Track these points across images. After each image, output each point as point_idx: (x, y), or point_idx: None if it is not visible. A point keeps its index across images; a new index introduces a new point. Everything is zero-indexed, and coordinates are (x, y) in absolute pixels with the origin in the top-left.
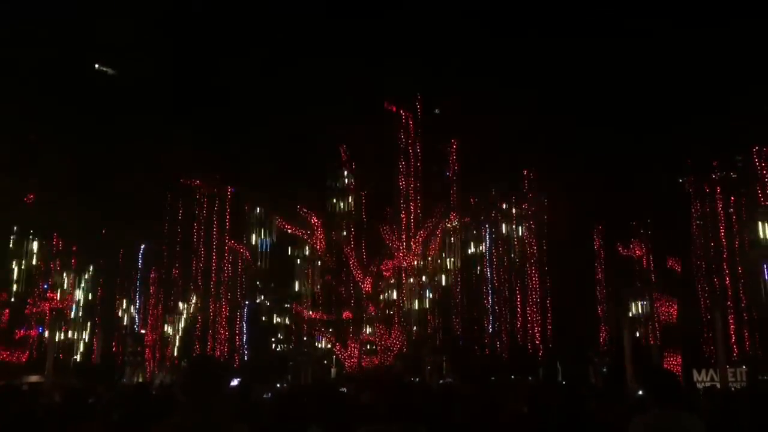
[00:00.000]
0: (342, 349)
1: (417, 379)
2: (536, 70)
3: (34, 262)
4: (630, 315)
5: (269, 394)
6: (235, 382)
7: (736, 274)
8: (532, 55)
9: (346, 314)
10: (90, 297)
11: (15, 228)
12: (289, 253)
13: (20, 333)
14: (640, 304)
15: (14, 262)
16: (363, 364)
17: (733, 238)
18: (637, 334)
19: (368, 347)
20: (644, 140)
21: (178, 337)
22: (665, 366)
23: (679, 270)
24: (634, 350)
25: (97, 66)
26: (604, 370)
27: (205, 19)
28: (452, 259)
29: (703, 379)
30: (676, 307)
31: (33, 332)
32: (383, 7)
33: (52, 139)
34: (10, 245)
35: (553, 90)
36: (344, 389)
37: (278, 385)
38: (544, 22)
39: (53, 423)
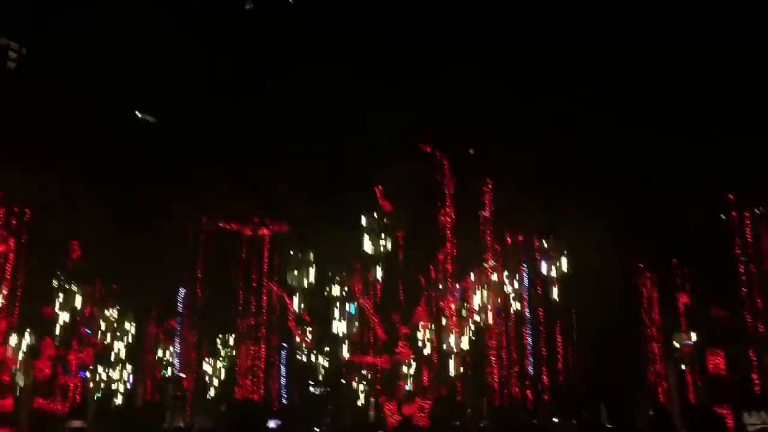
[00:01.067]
0: (381, 392)
1: (457, 423)
2: (577, 108)
3: (77, 307)
4: (676, 356)
5: None
6: (272, 424)
7: None
8: (573, 96)
9: (384, 357)
10: (131, 341)
11: (59, 274)
12: (327, 294)
13: (62, 380)
14: (686, 344)
15: (58, 308)
16: (402, 407)
17: None
18: (684, 375)
19: (407, 390)
20: (686, 178)
21: (217, 379)
22: (713, 408)
23: (725, 312)
24: (680, 392)
25: (138, 114)
26: (651, 413)
27: (243, 63)
28: (490, 300)
29: (753, 421)
30: (723, 348)
31: (74, 380)
32: (421, 50)
33: (94, 185)
34: (56, 292)
35: (593, 130)
36: None
37: (316, 429)
38: (582, 63)
39: None
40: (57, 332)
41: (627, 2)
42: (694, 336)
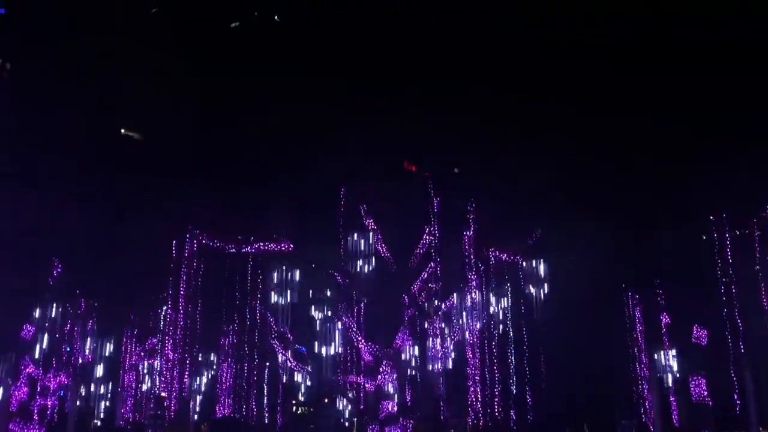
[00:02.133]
0: (364, 411)
1: None
2: (554, 130)
3: (56, 326)
4: (658, 376)
5: None
6: None
7: (766, 333)
8: (552, 115)
9: (367, 376)
10: (111, 359)
11: (39, 292)
12: (311, 313)
13: (40, 402)
14: (667, 365)
15: (37, 325)
16: (385, 428)
17: (760, 296)
18: (666, 396)
19: (391, 409)
20: (666, 198)
21: (198, 398)
22: (694, 428)
23: (706, 333)
24: (662, 411)
25: (123, 131)
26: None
27: (225, 80)
28: (474, 319)
29: None
30: (704, 376)
31: (52, 401)
32: (405, 71)
33: (76, 202)
34: (36, 312)
35: (574, 148)
36: None
37: None
38: (566, 82)
39: None
40: (37, 351)
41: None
42: (675, 360)
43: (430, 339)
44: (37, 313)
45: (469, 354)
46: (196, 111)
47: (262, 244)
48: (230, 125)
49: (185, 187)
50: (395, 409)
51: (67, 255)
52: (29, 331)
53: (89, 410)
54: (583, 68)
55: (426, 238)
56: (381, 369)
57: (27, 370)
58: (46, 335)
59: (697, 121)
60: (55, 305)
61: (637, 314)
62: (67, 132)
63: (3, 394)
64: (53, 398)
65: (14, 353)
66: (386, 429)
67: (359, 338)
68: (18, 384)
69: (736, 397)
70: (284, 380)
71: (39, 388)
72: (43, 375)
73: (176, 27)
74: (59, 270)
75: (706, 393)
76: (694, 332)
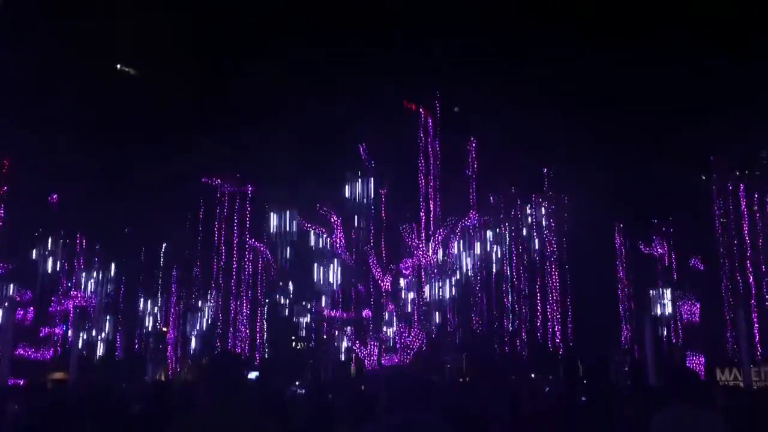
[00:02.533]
0: (362, 348)
1: (436, 378)
2: (556, 69)
3: (58, 261)
4: (652, 313)
5: (303, 389)
6: (252, 377)
7: (759, 272)
8: (553, 54)
9: (365, 312)
10: (113, 295)
11: (39, 228)
12: (310, 251)
13: (44, 331)
14: (662, 302)
15: (39, 261)
16: (383, 362)
17: (757, 235)
18: (660, 333)
19: (388, 346)
20: (667, 138)
21: (199, 334)
22: (688, 365)
23: (702, 268)
24: (656, 348)
25: (119, 66)
26: (626, 368)
27: (228, 18)
28: (472, 258)
29: (726, 378)
30: (699, 305)
31: (57, 330)
32: (405, 8)
33: (76, 140)
34: (34, 245)
35: (573, 89)
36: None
37: (297, 383)
38: (568, 20)
39: (80, 419)
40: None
41: None
42: (669, 293)
43: (428, 277)
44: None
45: (467, 293)
46: (196, 52)
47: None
48: (230, 65)
49: (188, 128)
50: (394, 343)
51: (69, 193)
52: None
53: (91, 343)
54: (586, 4)
55: (427, 177)
56: (380, 306)
57: (27, 296)
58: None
59: (702, 62)
60: (58, 240)
61: (632, 251)
62: (68, 71)
63: (7, 316)
64: (59, 327)
65: (17, 282)
66: (384, 362)
67: (357, 277)
68: (24, 308)
69: (728, 333)
70: (284, 315)
71: (42, 319)
72: (46, 305)
73: None
74: (58, 203)
75: (697, 315)
76: (692, 262)
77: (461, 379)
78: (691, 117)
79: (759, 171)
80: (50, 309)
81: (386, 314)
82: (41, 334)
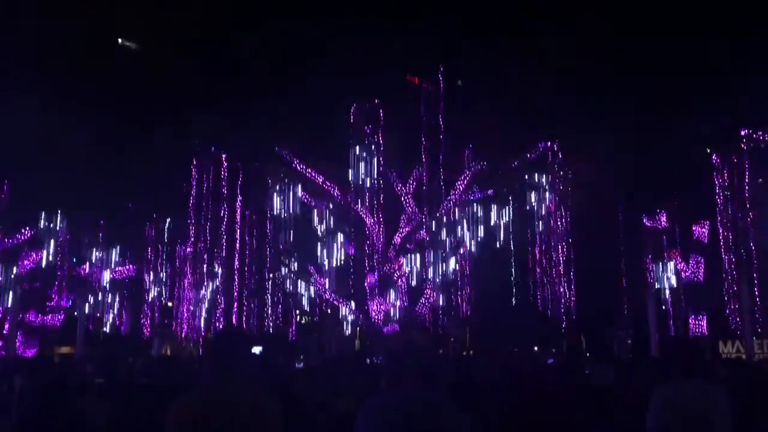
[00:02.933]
0: (366, 321)
1: (441, 352)
2: (559, 41)
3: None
4: (656, 287)
5: (301, 364)
6: (256, 351)
7: (764, 244)
8: (555, 27)
9: (369, 284)
10: (117, 270)
11: (42, 208)
12: (313, 223)
13: (52, 303)
14: (665, 275)
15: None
16: (386, 333)
17: (761, 208)
18: (663, 306)
19: (391, 319)
20: (670, 111)
21: (204, 308)
22: (690, 337)
23: (705, 239)
24: (659, 322)
25: (120, 41)
26: (629, 341)
27: None
28: (476, 233)
29: (729, 350)
30: (702, 277)
31: (63, 302)
32: None
33: (75, 116)
34: (40, 219)
35: (575, 61)
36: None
37: (302, 357)
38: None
39: (86, 392)
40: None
41: None
42: (672, 266)
43: (431, 251)
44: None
45: (470, 267)
46: (199, 26)
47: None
48: (232, 41)
49: (190, 102)
50: (396, 320)
51: (70, 168)
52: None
53: (97, 319)
54: None
55: (430, 151)
56: (382, 282)
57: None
58: (51, 243)
59: (705, 34)
60: (59, 217)
61: (637, 227)
62: (67, 44)
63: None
64: (60, 312)
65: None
66: (385, 327)
67: (362, 252)
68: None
69: (732, 306)
70: (288, 290)
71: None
72: (49, 289)
73: None
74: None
75: (702, 305)
76: (693, 244)
77: (465, 353)
78: (696, 87)
79: (764, 145)
80: (56, 283)
81: (391, 290)
82: (48, 305)
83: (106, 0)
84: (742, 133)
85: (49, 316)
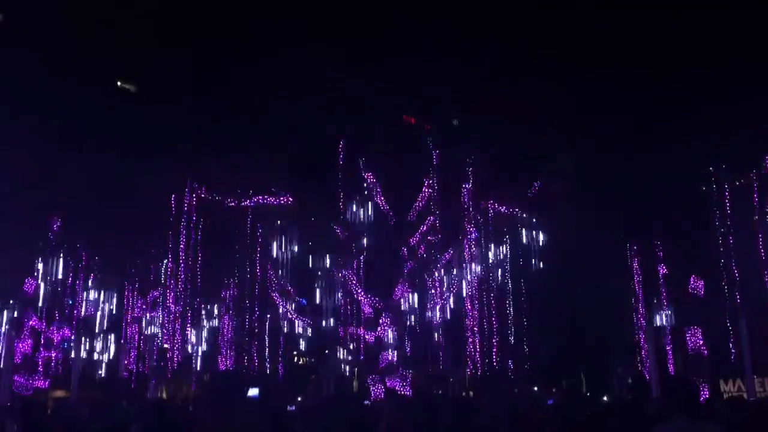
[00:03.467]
0: (364, 361)
1: (440, 392)
2: (555, 84)
3: (59, 278)
4: (654, 325)
5: (293, 407)
6: (253, 393)
7: (762, 282)
8: (553, 71)
9: (367, 327)
10: (114, 312)
11: (41, 244)
12: (311, 265)
13: (42, 356)
14: (664, 314)
15: (40, 280)
16: (386, 378)
17: (758, 244)
18: (662, 344)
19: (390, 358)
20: (666, 149)
21: (200, 350)
22: (690, 376)
23: (702, 279)
24: (658, 360)
25: (119, 83)
26: (629, 380)
27: (226, 30)
28: (473, 271)
29: (729, 389)
30: (701, 316)
31: (55, 354)
32: (403, 24)
33: (74, 154)
34: (38, 265)
35: (572, 100)
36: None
37: (299, 399)
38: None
39: None
40: (39, 304)
41: None
42: (672, 310)
43: (429, 291)
44: (39, 267)
45: (468, 305)
46: (194, 63)
47: (261, 197)
48: (229, 77)
49: (185, 140)
50: (395, 359)
51: (66, 208)
52: (31, 284)
53: (93, 362)
54: (582, 20)
55: (425, 191)
56: (380, 321)
57: (30, 323)
58: (47, 288)
59: (697, 74)
60: (56, 258)
61: (635, 265)
62: (65, 83)
63: (6, 347)
64: (57, 351)
65: (16, 306)
66: (386, 380)
67: (359, 290)
68: (22, 336)
69: (731, 346)
70: (285, 331)
71: (43, 341)
72: (47, 328)
73: None
74: (58, 223)
75: (701, 342)
76: (691, 282)
77: (464, 393)
78: (691, 128)
79: (758, 181)
80: (52, 329)
81: (389, 331)
82: (39, 359)
83: (101, 40)
84: (738, 168)
85: (44, 355)
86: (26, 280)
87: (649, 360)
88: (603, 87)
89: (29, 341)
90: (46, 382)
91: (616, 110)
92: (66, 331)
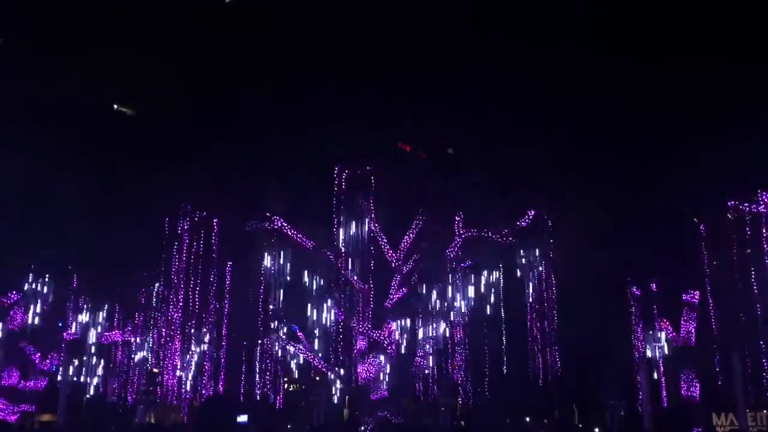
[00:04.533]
0: (355, 389)
1: (431, 421)
2: (549, 111)
3: (50, 300)
4: (647, 357)
5: None
6: (242, 420)
7: (754, 315)
8: (544, 98)
9: (358, 351)
10: (103, 335)
11: (31, 266)
12: (303, 287)
13: (28, 385)
14: (656, 346)
15: (30, 302)
16: (377, 406)
17: (750, 277)
18: (654, 377)
19: (382, 387)
20: (657, 178)
21: (191, 375)
22: (682, 409)
23: (695, 311)
24: (651, 392)
25: (116, 106)
26: (622, 413)
27: (222, 51)
28: (465, 300)
29: (722, 422)
30: (693, 347)
31: (46, 368)
32: (400, 51)
33: (67, 175)
34: (26, 285)
35: (564, 130)
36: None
37: (289, 426)
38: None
39: None
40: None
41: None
42: (665, 343)
43: (421, 320)
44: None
45: (459, 335)
46: (190, 87)
47: (255, 222)
48: (224, 103)
49: (178, 163)
50: (386, 387)
51: (57, 229)
52: (17, 315)
53: (80, 386)
54: (579, 48)
55: (419, 219)
56: (372, 349)
57: (19, 344)
58: (35, 311)
59: (692, 107)
60: (44, 279)
61: (627, 297)
62: (59, 105)
63: None
64: (44, 376)
65: (5, 329)
66: (377, 411)
67: (351, 318)
68: (9, 369)
69: (724, 380)
70: (276, 357)
71: (29, 370)
72: (34, 351)
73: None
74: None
75: (694, 376)
76: (684, 314)
77: (455, 422)
78: (683, 158)
79: (751, 214)
80: (36, 356)
81: (381, 357)
82: (25, 388)
83: (97, 64)
84: (729, 203)
85: (32, 381)
86: (12, 310)
87: (642, 393)
88: (598, 117)
89: (16, 374)
90: (33, 406)
91: (609, 139)
92: (54, 355)
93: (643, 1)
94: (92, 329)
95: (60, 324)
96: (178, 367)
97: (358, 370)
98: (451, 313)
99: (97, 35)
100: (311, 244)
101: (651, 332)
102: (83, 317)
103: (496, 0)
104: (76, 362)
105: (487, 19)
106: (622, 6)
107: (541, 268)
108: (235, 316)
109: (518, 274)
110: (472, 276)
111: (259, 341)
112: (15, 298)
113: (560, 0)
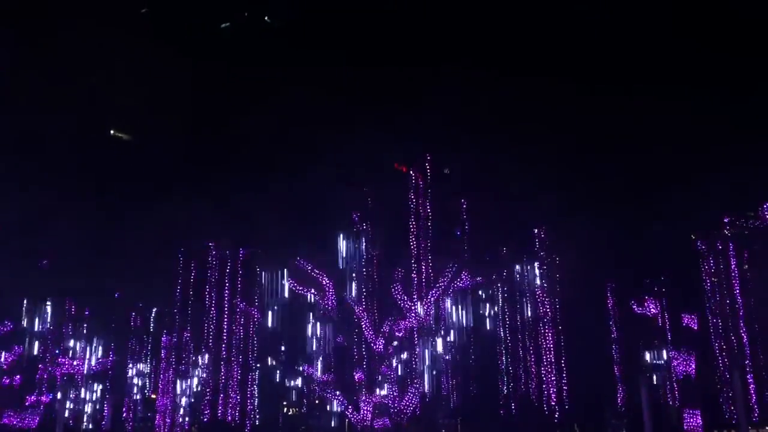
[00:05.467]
0: (354, 413)
1: None
2: (546, 131)
3: (47, 327)
4: (648, 374)
5: None
6: None
7: (753, 332)
8: (546, 116)
9: (358, 376)
10: (101, 362)
11: (29, 292)
12: (301, 314)
13: (31, 399)
14: (657, 363)
15: (27, 327)
16: (376, 427)
17: (749, 295)
18: (656, 394)
19: (381, 410)
20: (656, 197)
21: (189, 401)
22: (684, 427)
23: (695, 328)
24: (652, 410)
25: (112, 132)
26: (624, 431)
27: (219, 84)
28: (465, 320)
29: None
30: (693, 365)
31: (44, 398)
32: (397, 74)
33: (66, 204)
34: (24, 309)
35: (563, 149)
36: None
37: None
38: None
39: None
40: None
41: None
42: (664, 353)
43: (422, 340)
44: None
45: (460, 355)
46: (189, 117)
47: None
48: (222, 132)
49: (178, 193)
50: (388, 407)
51: (58, 259)
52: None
53: (79, 413)
54: (579, 66)
55: (418, 239)
56: (372, 369)
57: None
58: (33, 339)
59: (693, 123)
60: (44, 308)
61: (629, 314)
62: (59, 136)
63: None
64: (46, 395)
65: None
66: (376, 421)
67: (354, 338)
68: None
69: (724, 389)
70: (275, 382)
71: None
72: (34, 371)
73: (168, 29)
74: (47, 271)
75: (697, 395)
76: (685, 322)
77: None
78: (682, 177)
79: (747, 231)
80: (37, 376)
81: (379, 377)
82: (27, 402)
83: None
84: (725, 220)
85: (26, 417)
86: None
87: (645, 413)
88: (598, 136)
89: (17, 381)
90: (35, 421)
91: (609, 159)
92: (54, 372)
93: (642, 31)
94: (86, 360)
95: (57, 351)
96: (176, 393)
97: (357, 396)
98: (451, 332)
99: (93, 63)
100: (328, 283)
101: (653, 351)
102: (79, 346)
103: (502, 24)
104: (73, 392)
105: (491, 43)
106: (621, 35)
107: (540, 287)
108: (234, 341)
109: (517, 294)
110: (470, 296)
111: (258, 365)
112: (10, 327)
113: (562, 27)
